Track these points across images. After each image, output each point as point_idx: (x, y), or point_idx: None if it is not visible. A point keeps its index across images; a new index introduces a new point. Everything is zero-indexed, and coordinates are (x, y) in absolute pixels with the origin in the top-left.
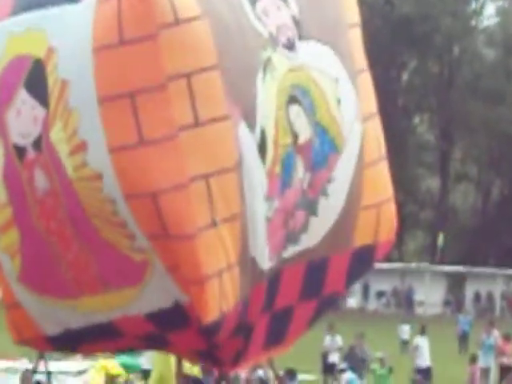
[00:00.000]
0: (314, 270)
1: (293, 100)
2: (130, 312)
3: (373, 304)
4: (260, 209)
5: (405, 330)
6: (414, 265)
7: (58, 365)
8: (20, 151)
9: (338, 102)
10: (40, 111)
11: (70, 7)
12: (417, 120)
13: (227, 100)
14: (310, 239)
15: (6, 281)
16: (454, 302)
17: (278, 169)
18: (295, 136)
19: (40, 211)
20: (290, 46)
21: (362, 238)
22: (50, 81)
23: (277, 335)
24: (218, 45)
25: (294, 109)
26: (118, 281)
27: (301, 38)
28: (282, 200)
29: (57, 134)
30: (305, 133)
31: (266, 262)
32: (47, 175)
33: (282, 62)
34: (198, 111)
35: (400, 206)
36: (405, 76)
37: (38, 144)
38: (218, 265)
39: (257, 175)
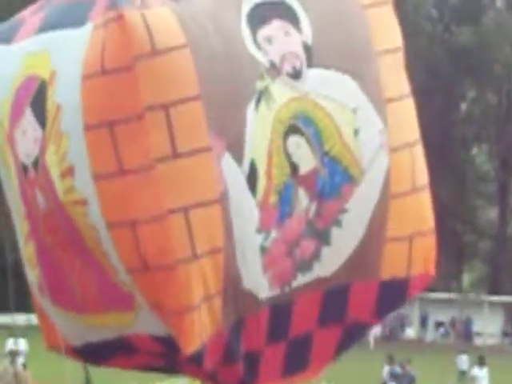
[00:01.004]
0: (333, 296)
1: (292, 130)
2: (136, 330)
3: (431, 334)
4: (251, 241)
5: (463, 361)
6: (472, 295)
7: None
8: (25, 170)
9: (356, 131)
10: (39, 132)
11: (73, 31)
12: (475, 151)
13: (210, 131)
14: (325, 268)
15: (32, 289)
16: None
17: (273, 200)
18: (294, 167)
19: (44, 227)
20: (296, 75)
21: (390, 269)
22: (49, 103)
23: (298, 362)
24: (201, 75)
25: (294, 139)
26: (114, 303)
27: (312, 65)
28: (281, 230)
29: (50, 157)
30: (307, 163)
31: (263, 292)
32: (44, 195)
33: (282, 92)
34: (177, 142)
35: (458, 237)
36: (463, 106)
37: (36, 164)
38: (197, 297)
39: (246, 207)
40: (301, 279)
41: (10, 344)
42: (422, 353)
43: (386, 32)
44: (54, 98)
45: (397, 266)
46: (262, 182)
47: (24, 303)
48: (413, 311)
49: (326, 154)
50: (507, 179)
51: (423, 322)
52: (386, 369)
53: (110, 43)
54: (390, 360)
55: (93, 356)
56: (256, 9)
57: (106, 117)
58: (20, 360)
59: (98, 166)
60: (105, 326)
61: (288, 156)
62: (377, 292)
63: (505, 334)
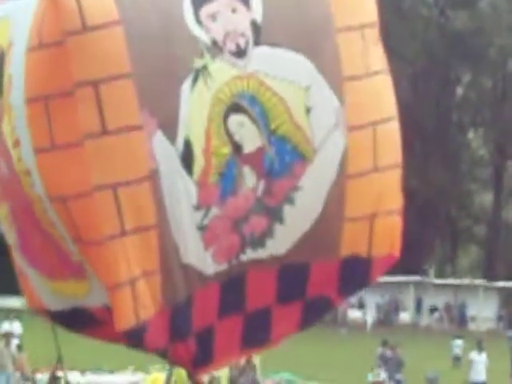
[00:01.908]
0: (291, 273)
1: (234, 109)
2: (94, 300)
3: (426, 319)
4: (187, 217)
5: (457, 345)
6: (467, 280)
7: (109, 377)
8: None
9: (308, 110)
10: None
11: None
12: (471, 135)
13: (141, 109)
14: (279, 245)
15: (12, 250)
16: (507, 317)
17: (213, 179)
18: (237, 146)
19: (6, 192)
20: (240, 53)
21: (351, 248)
22: (5, 73)
23: (257, 335)
24: (133, 53)
25: (236, 118)
26: (71, 271)
27: (259, 43)
28: (224, 207)
29: (5, 127)
30: (252, 142)
31: (208, 267)
32: (5, 162)
33: (223, 70)
34: (106, 119)
35: (453, 221)
36: (459, 90)
37: None
38: (129, 273)
39: (179, 185)
40: (252, 254)
41: (5, 326)
42: (416, 337)
43: (352, 8)
44: (8, 68)
45: (357, 245)
46: (199, 161)
47: (18, 285)
48: (407, 296)
49: (273, 132)
50: (502, 164)
51: (418, 306)
52: (379, 350)
53: (47, 17)
54: (384, 344)
55: (66, 323)
56: None
57: (41, 91)
58: (15, 342)
59: (35, 140)
60: (68, 295)
61: (229, 135)
62: (339, 270)
63: (499, 318)
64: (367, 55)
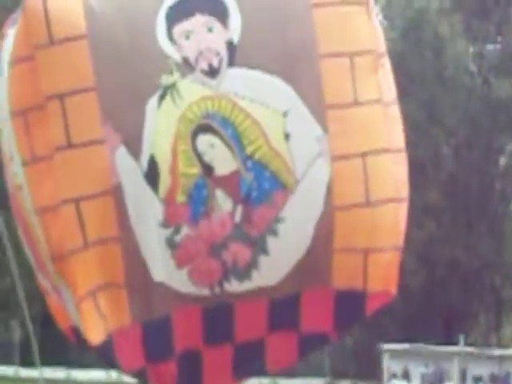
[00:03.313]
0: (282, 304)
1: (203, 129)
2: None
3: None
4: (154, 235)
5: None
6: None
7: None
8: None
9: (286, 136)
10: None
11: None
12: None
13: (104, 124)
14: (267, 278)
15: (35, 272)
16: None
17: (181, 199)
18: (207, 167)
19: (14, 210)
20: (212, 73)
21: (344, 280)
22: None
23: (250, 365)
24: (97, 67)
25: (205, 138)
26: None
27: (234, 64)
28: (197, 229)
29: (2, 143)
30: (225, 165)
31: (186, 286)
32: (8, 177)
33: (193, 89)
34: (71, 133)
35: (498, 291)
36: (502, 160)
37: None
38: (92, 286)
39: (143, 201)
40: (238, 286)
41: None
42: None
43: (339, 34)
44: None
45: (351, 277)
46: (165, 180)
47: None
48: (452, 366)
49: (249, 157)
50: None
51: (462, 376)
52: None
53: (20, 31)
54: None
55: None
56: (182, 2)
57: (20, 105)
58: None
59: (21, 153)
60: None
61: (198, 155)
62: (333, 303)
63: None
64: (358, 84)
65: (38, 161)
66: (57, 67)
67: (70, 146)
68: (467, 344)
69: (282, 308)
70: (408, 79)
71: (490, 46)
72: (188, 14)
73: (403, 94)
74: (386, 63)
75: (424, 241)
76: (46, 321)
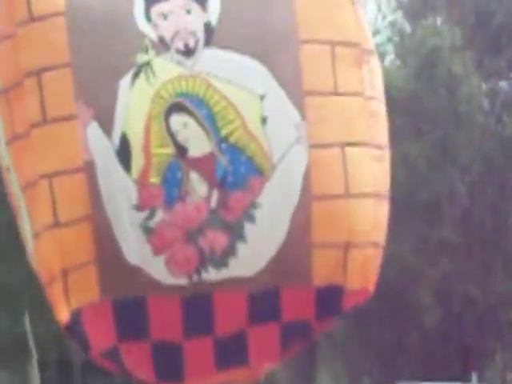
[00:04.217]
0: (262, 298)
1: (177, 108)
2: None
3: None
4: (127, 215)
5: None
6: None
7: None
8: None
9: (263, 120)
10: None
11: None
12: None
13: (78, 100)
14: (246, 267)
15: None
16: None
17: (154, 179)
18: (181, 148)
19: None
20: (187, 52)
21: (324, 278)
22: None
23: (232, 356)
24: (73, 43)
25: (179, 118)
26: None
27: (211, 45)
28: (172, 214)
29: None
30: (199, 146)
31: (163, 275)
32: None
33: (168, 68)
34: (46, 109)
35: None
36: None
37: None
38: (61, 264)
39: (115, 180)
40: (215, 275)
41: None
42: None
43: (321, 21)
44: None
45: (331, 275)
46: (138, 159)
47: None
48: None
49: (224, 139)
50: None
51: None
52: None
53: (2, 10)
54: None
55: None
56: None
57: (3, 84)
58: None
59: (6, 133)
60: None
61: (171, 134)
62: (314, 298)
63: None
64: (338, 73)
65: (18, 138)
66: (35, 44)
67: (45, 121)
68: (483, 382)
69: (262, 301)
70: (421, 117)
71: (502, 83)
72: None
73: (417, 132)
74: (374, 62)
75: (439, 278)
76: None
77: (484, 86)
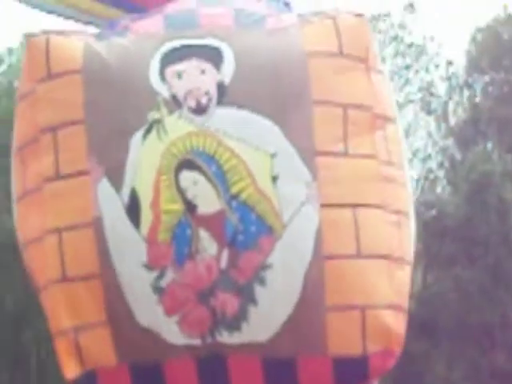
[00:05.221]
0: (277, 366)
1: (187, 165)
2: None
3: None
4: (137, 275)
5: None
6: None
7: None
8: None
9: (274, 178)
10: None
11: None
12: None
13: (89, 156)
14: (258, 332)
15: None
16: None
17: (163, 236)
18: (190, 204)
19: None
20: (199, 110)
21: (340, 345)
22: None
23: None
24: (88, 100)
25: (189, 175)
26: None
27: (223, 103)
28: (182, 273)
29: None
30: (209, 204)
31: (176, 337)
32: None
33: (179, 125)
34: (60, 164)
35: None
36: None
37: None
38: (72, 321)
39: (124, 237)
40: (228, 337)
41: None
42: None
43: (333, 85)
44: None
45: (349, 342)
46: (147, 215)
47: None
48: None
49: (234, 197)
50: None
51: None
52: None
53: (24, 68)
54: None
55: None
56: (177, 49)
57: (20, 142)
58: None
59: (16, 190)
60: None
61: (181, 191)
62: (331, 370)
63: None
64: (349, 135)
65: (28, 194)
66: (52, 100)
67: (58, 177)
68: None
69: (278, 369)
70: (473, 243)
71: None
72: (183, 58)
73: (469, 258)
74: (393, 130)
75: None
76: None
77: None
